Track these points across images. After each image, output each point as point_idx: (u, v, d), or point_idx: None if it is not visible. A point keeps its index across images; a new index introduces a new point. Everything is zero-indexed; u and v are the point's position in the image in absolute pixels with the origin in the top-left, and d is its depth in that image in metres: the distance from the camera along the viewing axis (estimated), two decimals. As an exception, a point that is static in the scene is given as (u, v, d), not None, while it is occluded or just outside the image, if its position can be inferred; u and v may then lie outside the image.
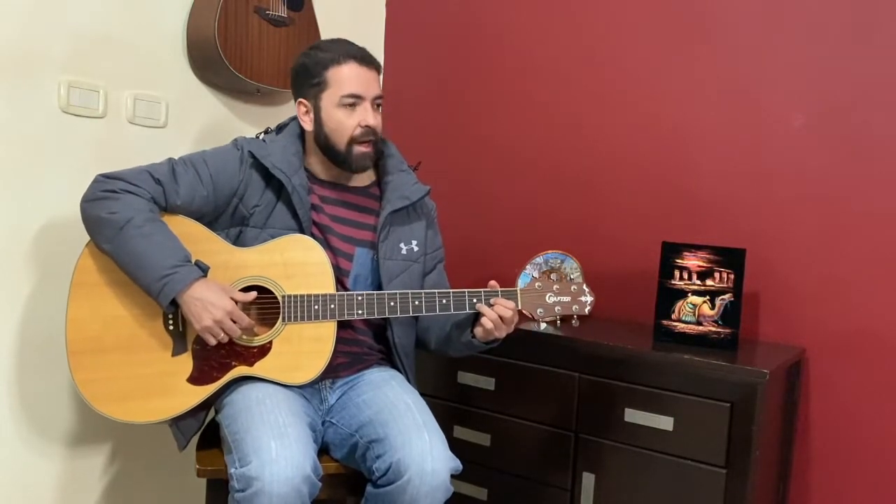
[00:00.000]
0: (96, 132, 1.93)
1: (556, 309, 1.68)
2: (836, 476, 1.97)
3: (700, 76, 2.14)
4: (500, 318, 1.62)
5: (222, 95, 2.22)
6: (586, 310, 1.70)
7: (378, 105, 1.73)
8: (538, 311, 1.68)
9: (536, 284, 1.69)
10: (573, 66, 2.34)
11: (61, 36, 1.85)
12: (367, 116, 1.69)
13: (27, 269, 1.84)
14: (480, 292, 1.65)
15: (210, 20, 2.02)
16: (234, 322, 1.57)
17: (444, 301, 1.65)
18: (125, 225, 1.56)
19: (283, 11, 2.17)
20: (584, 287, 1.70)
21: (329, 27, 2.30)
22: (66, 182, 1.88)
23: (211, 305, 1.55)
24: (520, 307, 1.66)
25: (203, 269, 1.59)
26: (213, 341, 1.58)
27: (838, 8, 1.95)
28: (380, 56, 2.70)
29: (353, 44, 1.73)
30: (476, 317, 1.66)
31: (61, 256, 1.87)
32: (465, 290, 1.66)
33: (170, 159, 1.69)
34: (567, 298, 1.69)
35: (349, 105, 1.69)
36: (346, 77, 1.68)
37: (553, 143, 2.38)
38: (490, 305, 1.64)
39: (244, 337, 1.63)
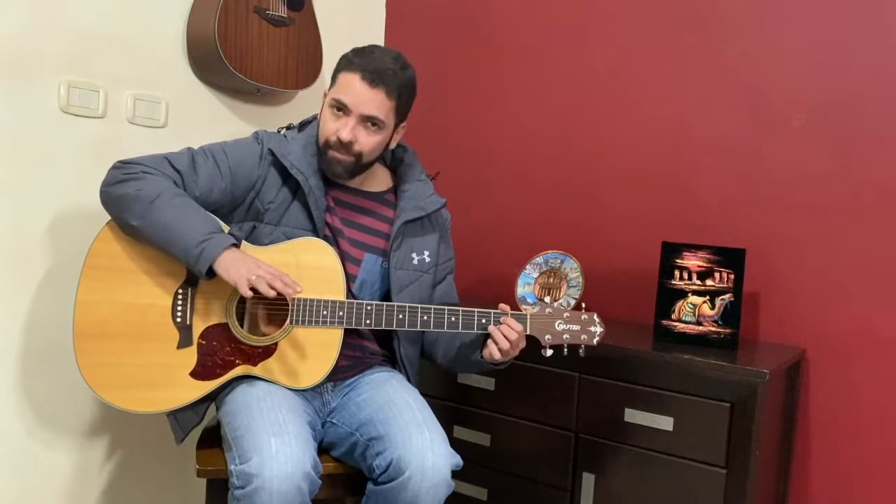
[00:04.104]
0: (96, 132, 1.93)
1: (564, 336, 1.67)
2: (836, 476, 1.97)
3: (700, 76, 2.14)
4: (505, 337, 1.62)
5: (222, 95, 2.22)
6: (595, 340, 1.68)
7: (372, 124, 1.66)
8: (546, 337, 1.66)
9: (547, 310, 1.67)
10: (573, 66, 2.34)
11: (61, 36, 1.85)
12: (344, 129, 1.65)
13: (28, 269, 1.84)
14: (490, 313, 1.65)
15: (210, 20, 2.02)
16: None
17: (452, 318, 1.65)
18: (156, 199, 1.55)
19: (283, 11, 2.17)
20: (595, 317, 1.68)
21: (329, 27, 2.30)
22: (67, 182, 1.88)
23: (255, 262, 1.54)
24: (528, 331, 1.65)
25: (237, 238, 1.59)
26: (267, 289, 1.50)
27: (838, 7, 1.95)
28: (380, 56, 2.70)
29: (385, 61, 1.66)
30: (486, 337, 1.66)
31: (62, 256, 1.87)
32: (475, 309, 1.65)
33: (189, 149, 1.69)
34: (577, 327, 1.67)
35: (337, 109, 1.67)
36: (345, 84, 1.66)
37: (553, 142, 2.38)
38: (499, 324, 1.63)
39: (251, 336, 1.63)
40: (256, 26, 2.11)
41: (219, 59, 2.03)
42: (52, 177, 1.86)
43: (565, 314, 1.67)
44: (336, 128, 1.67)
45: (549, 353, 1.66)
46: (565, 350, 1.68)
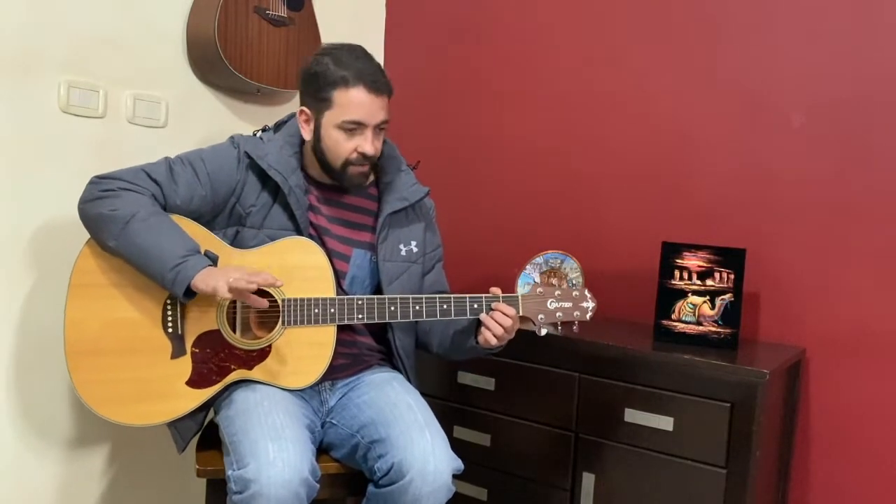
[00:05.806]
0: (96, 132, 1.93)
1: (557, 315, 1.67)
2: (836, 476, 1.97)
3: (700, 76, 2.14)
4: (500, 324, 1.62)
5: (222, 95, 2.22)
6: (588, 315, 1.68)
7: (381, 128, 1.68)
8: (539, 317, 1.66)
9: (538, 290, 1.67)
10: (573, 66, 2.34)
11: (61, 36, 1.85)
12: (366, 144, 1.64)
13: (27, 269, 1.84)
14: (482, 298, 1.64)
15: (210, 20, 2.02)
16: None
17: (444, 306, 1.65)
18: (130, 219, 1.54)
19: (283, 11, 2.17)
20: (586, 292, 1.69)
21: (329, 27, 2.30)
22: (66, 182, 1.87)
23: (231, 268, 1.55)
24: (521, 313, 1.65)
25: (212, 259, 1.58)
26: (247, 286, 1.50)
27: (838, 8, 1.95)
28: (379, 56, 2.70)
29: (369, 62, 1.66)
30: (479, 322, 1.66)
31: (61, 256, 1.87)
32: (466, 295, 1.65)
33: (166, 158, 1.68)
34: (569, 304, 1.68)
35: (349, 130, 1.65)
36: (351, 102, 1.62)
37: (553, 142, 2.38)
38: (491, 311, 1.63)
39: (244, 340, 1.63)
40: (256, 26, 2.11)
41: (219, 59, 2.03)
42: (52, 177, 1.86)
43: (556, 292, 1.67)
44: (355, 145, 1.65)
45: (544, 332, 1.66)
46: (559, 327, 1.68)
